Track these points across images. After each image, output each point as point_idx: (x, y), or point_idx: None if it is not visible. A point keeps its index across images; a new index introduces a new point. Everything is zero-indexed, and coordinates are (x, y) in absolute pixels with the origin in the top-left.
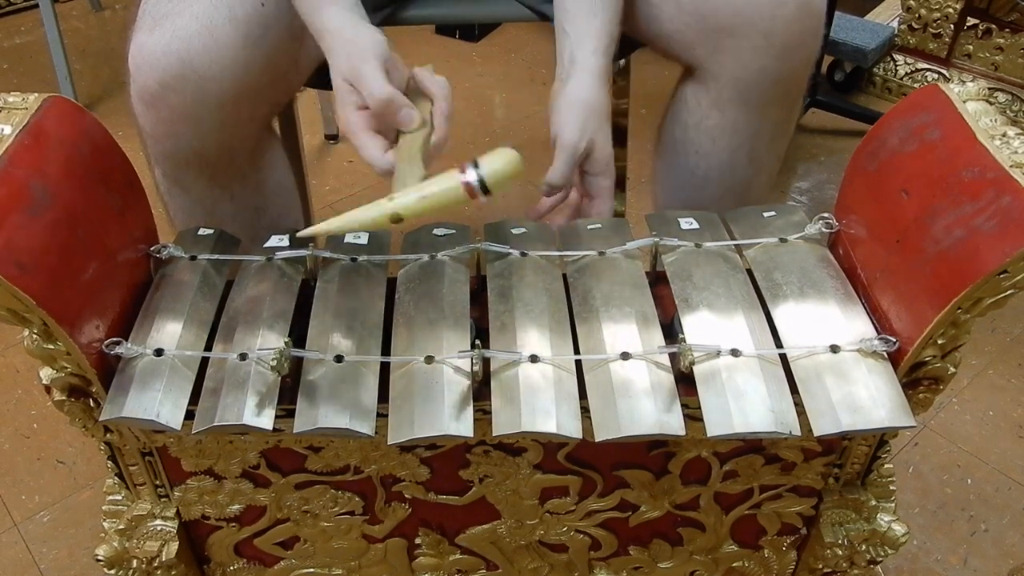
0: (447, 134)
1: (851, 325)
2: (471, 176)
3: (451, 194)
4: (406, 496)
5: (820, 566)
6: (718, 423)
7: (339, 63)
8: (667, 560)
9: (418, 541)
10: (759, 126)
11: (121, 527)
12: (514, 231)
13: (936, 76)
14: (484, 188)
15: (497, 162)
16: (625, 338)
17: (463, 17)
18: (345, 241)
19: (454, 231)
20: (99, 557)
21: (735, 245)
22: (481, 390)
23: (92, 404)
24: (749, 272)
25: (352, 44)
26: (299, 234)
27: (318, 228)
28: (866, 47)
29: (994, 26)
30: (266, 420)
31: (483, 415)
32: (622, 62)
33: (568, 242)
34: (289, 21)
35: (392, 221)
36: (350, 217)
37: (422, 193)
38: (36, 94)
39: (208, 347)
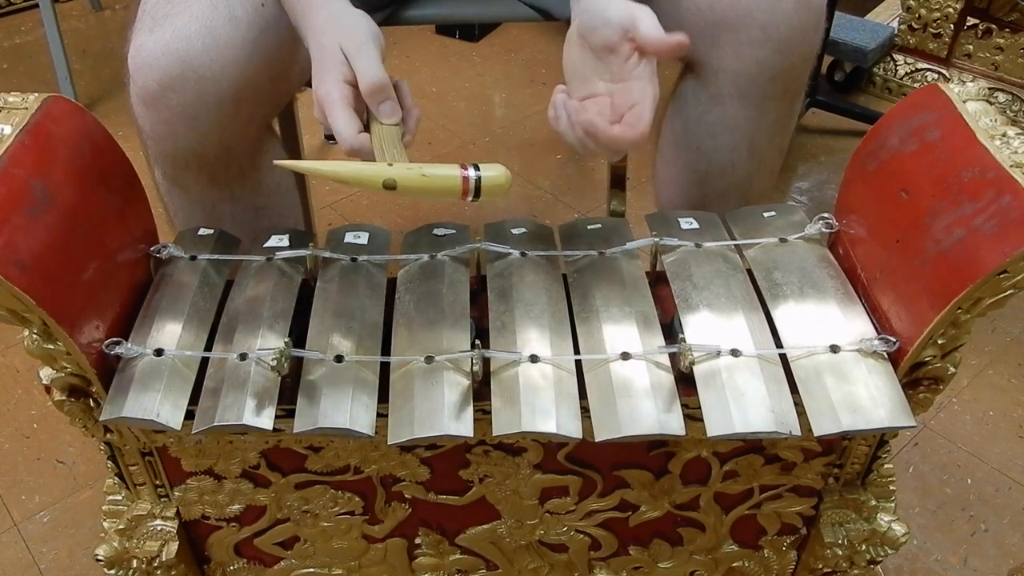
0: (413, 137)
1: (851, 325)
2: (471, 173)
3: (448, 182)
4: (406, 496)
5: (820, 566)
6: (718, 423)
7: (335, 33)
8: (667, 560)
9: (418, 541)
10: (759, 121)
11: (121, 527)
12: (514, 231)
13: (936, 76)
14: (477, 190)
15: (494, 172)
16: (625, 338)
17: (463, 17)
18: (345, 241)
19: (454, 231)
20: (99, 557)
21: (735, 245)
22: (481, 390)
23: (92, 404)
24: (749, 272)
25: (354, 21)
26: (279, 162)
27: (310, 165)
28: (866, 47)
29: (994, 26)
30: (266, 420)
31: (483, 415)
32: None
33: (568, 242)
34: (289, 21)
35: (384, 186)
36: (343, 166)
37: (423, 171)
38: (36, 94)
39: (208, 347)
